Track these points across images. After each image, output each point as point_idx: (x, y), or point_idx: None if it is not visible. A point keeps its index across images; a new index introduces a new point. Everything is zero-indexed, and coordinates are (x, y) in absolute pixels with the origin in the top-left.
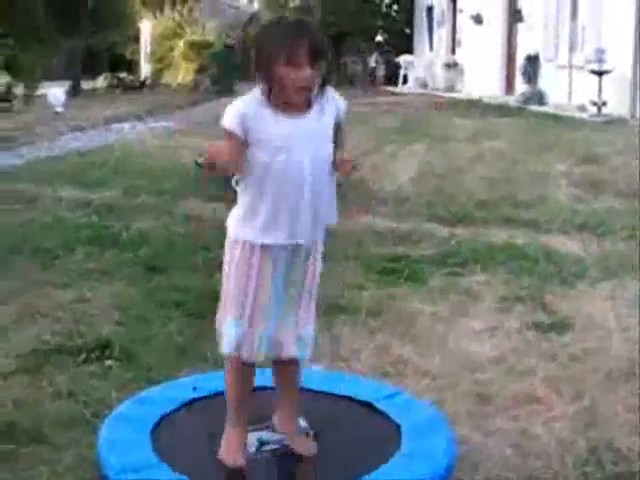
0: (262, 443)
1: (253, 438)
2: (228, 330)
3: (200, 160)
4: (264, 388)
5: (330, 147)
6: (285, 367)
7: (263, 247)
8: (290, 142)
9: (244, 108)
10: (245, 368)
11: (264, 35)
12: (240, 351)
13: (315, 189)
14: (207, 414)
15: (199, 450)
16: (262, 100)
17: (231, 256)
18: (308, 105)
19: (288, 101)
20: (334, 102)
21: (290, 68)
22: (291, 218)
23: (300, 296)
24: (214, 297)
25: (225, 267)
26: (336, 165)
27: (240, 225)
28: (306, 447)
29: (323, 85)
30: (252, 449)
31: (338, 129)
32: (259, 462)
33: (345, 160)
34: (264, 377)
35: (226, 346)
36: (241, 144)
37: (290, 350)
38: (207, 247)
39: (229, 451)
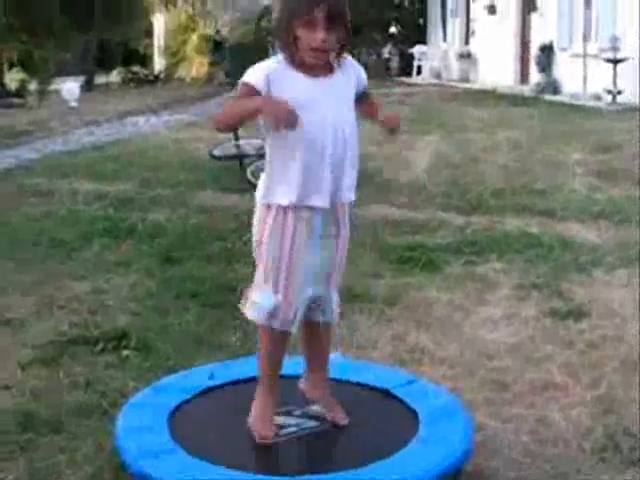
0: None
1: (290, 420)
2: (262, 299)
3: (215, 152)
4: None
5: (352, 111)
6: (315, 330)
7: (296, 209)
8: (314, 101)
9: (268, 68)
10: (280, 336)
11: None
12: (274, 321)
13: (340, 151)
14: (224, 401)
15: (217, 435)
16: (285, 63)
17: (263, 223)
18: (330, 69)
19: (304, 62)
20: (353, 68)
21: (306, 29)
22: (315, 180)
23: (333, 260)
24: (230, 287)
25: (256, 236)
26: (382, 121)
27: (271, 189)
28: (339, 415)
29: (342, 50)
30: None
31: (364, 94)
32: (283, 438)
33: (392, 115)
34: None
35: (259, 316)
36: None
37: (316, 315)
38: (222, 237)
39: (259, 419)
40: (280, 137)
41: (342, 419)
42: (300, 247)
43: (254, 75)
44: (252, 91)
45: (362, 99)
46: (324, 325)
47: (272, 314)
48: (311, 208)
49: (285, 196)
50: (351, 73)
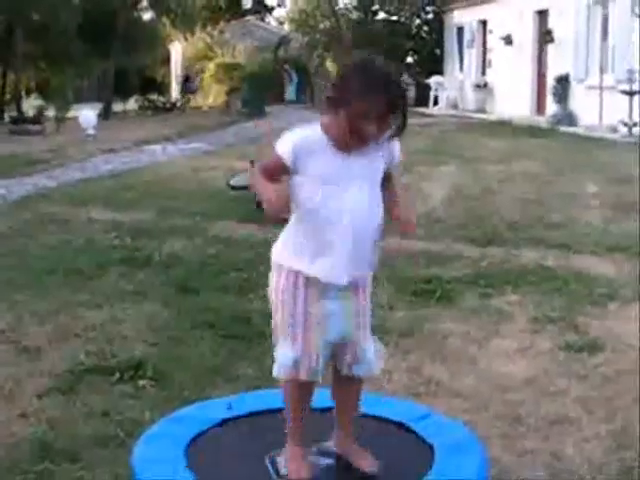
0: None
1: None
2: (282, 355)
3: (232, 182)
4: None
5: (377, 190)
6: (345, 385)
7: (307, 277)
8: (337, 179)
9: (297, 139)
10: (305, 387)
11: (349, 77)
12: (296, 373)
13: (357, 230)
14: (241, 434)
15: (233, 468)
16: (320, 133)
17: (276, 283)
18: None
19: (346, 143)
20: (390, 149)
21: (361, 119)
22: (328, 255)
23: (355, 307)
24: (246, 318)
25: (272, 294)
26: (399, 222)
27: (285, 252)
28: (367, 461)
29: (392, 136)
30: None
31: (389, 176)
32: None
33: (408, 221)
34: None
35: (281, 371)
36: (285, 171)
37: (349, 368)
38: (239, 268)
39: (295, 467)
40: (299, 207)
41: (371, 466)
42: (314, 303)
43: (283, 145)
44: (279, 161)
45: (387, 181)
46: (358, 379)
47: (295, 367)
48: (322, 281)
49: (297, 264)
50: (386, 152)
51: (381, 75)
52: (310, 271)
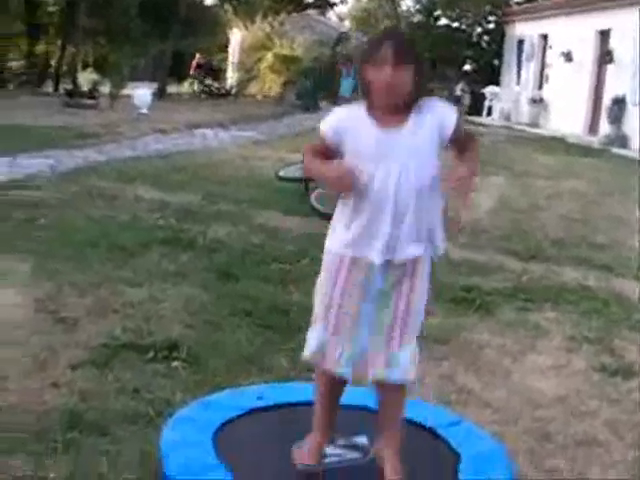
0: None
1: (333, 450)
2: (312, 337)
3: (281, 173)
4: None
5: (427, 162)
6: (383, 389)
7: (352, 260)
8: (379, 155)
9: (341, 116)
10: (328, 377)
11: (362, 45)
12: (321, 359)
13: (402, 207)
14: (270, 423)
15: (261, 456)
16: (362, 110)
17: (323, 264)
18: (405, 118)
19: (377, 105)
20: (435, 113)
21: (375, 70)
22: (372, 234)
23: (395, 317)
24: (284, 310)
25: (320, 274)
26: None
27: (331, 235)
28: (392, 470)
29: (417, 92)
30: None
31: (457, 140)
32: (323, 467)
33: (455, 173)
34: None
35: (307, 351)
36: (333, 151)
37: (377, 372)
38: (281, 260)
39: (304, 451)
40: None
41: (393, 475)
42: (353, 292)
43: (326, 124)
44: (324, 140)
45: (458, 141)
46: (391, 386)
47: (320, 352)
48: (368, 261)
49: (342, 244)
50: (432, 119)
51: (387, 30)
52: (351, 252)
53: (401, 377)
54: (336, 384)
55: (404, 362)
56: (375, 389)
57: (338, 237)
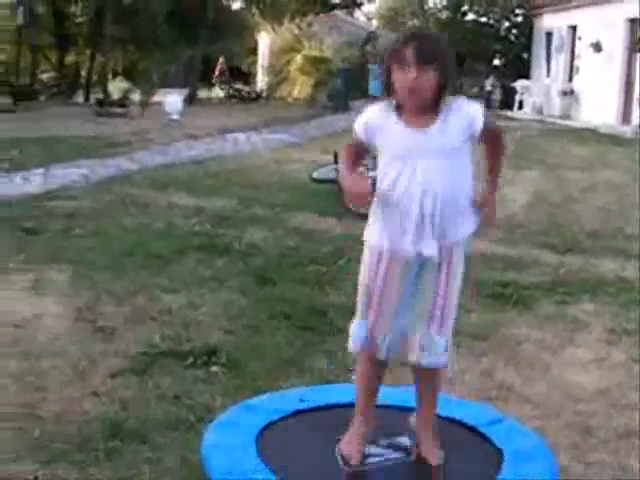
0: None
1: (375, 450)
2: (355, 327)
3: (315, 175)
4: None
5: (455, 162)
6: (420, 374)
7: (388, 252)
8: (406, 155)
9: (372, 114)
10: (371, 363)
11: (387, 46)
12: (364, 345)
13: (428, 205)
14: (313, 425)
15: (303, 459)
16: (391, 109)
17: (363, 258)
18: (432, 117)
19: (403, 105)
20: (462, 112)
21: (399, 70)
22: (404, 229)
23: (433, 308)
24: (322, 312)
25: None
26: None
27: (370, 228)
28: (433, 455)
29: (442, 92)
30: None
31: (485, 138)
32: (366, 467)
33: (485, 202)
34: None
35: (351, 342)
36: (366, 149)
37: (414, 356)
38: (317, 261)
39: (347, 445)
40: (380, 184)
41: (434, 459)
42: (393, 282)
43: (359, 124)
44: (357, 139)
45: (486, 139)
46: (426, 369)
47: (363, 340)
48: (404, 255)
49: (378, 239)
50: (459, 119)
51: (413, 30)
52: (386, 246)
53: (435, 361)
54: (376, 369)
55: (438, 347)
56: (413, 374)
57: (374, 231)
